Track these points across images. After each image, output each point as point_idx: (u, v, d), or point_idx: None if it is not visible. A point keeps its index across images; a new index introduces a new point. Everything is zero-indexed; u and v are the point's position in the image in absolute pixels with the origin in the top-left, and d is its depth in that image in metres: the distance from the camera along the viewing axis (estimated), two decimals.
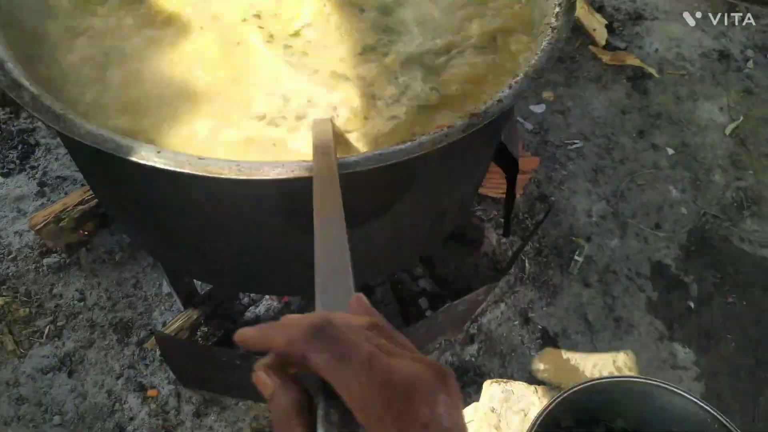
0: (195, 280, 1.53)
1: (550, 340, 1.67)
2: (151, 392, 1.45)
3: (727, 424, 0.72)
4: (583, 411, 0.87)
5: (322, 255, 0.51)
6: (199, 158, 0.72)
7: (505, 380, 0.90)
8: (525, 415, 0.93)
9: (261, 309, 1.56)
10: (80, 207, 1.60)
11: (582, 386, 0.74)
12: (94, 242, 1.66)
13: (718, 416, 0.73)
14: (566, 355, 1.65)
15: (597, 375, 1.62)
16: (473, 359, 1.60)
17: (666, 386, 0.79)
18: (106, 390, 1.45)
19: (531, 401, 0.89)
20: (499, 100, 0.84)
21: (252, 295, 1.56)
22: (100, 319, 1.55)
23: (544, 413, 0.73)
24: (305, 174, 0.71)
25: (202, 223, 0.95)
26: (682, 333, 1.71)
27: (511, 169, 1.43)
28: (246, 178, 0.71)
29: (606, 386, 0.77)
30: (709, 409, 0.75)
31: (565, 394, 0.73)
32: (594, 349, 1.66)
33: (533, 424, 0.69)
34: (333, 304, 0.45)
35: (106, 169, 0.94)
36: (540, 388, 0.89)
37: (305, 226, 0.93)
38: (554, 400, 0.71)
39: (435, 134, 0.78)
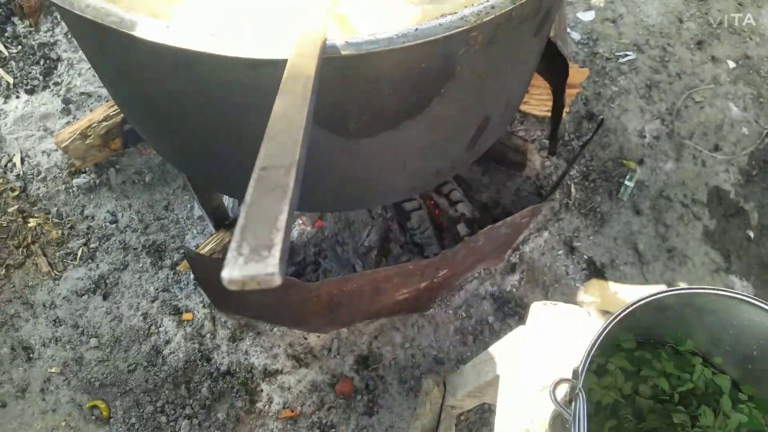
0: (225, 202, 1.48)
1: (596, 271, 1.60)
2: (186, 316, 1.44)
3: None
4: (646, 330, 0.79)
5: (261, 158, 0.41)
6: (212, 34, 0.63)
7: (554, 302, 0.82)
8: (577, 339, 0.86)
9: (295, 233, 1.52)
10: (105, 123, 1.54)
11: (646, 301, 0.66)
12: (123, 162, 1.62)
13: None
14: (614, 286, 1.58)
15: None
16: (514, 290, 1.54)
17: (745, 298, 0.68)
18: (142, 313, 1.45)
19: (584, 324, 0.82)
20: None
21: None
22: (133, 242, 1.53)
23: (604, 332, 0.65)
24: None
25: (219, 119, 0.86)
26: (740, 265, 1.62)
27: (560, 71, 1.31)
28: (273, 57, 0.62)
29: (673, 301, 0.68)
30: None
31: (627, 310, 0.64)
32: (644, 281, 1.59)
33: (592, 345, 0.62)
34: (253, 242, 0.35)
35: (111, 54, 0.86)
36: (593, 311, 0.82)
37: (344, 126, 0.86)
38: (614, 318, 0.64)
39: (480, 5, 0.67)
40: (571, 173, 1.74)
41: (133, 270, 1.50)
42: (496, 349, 1.00)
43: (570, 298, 1.56)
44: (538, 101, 1.80)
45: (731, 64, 2.03)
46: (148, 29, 0.63)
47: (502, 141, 1.64)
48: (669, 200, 1.72)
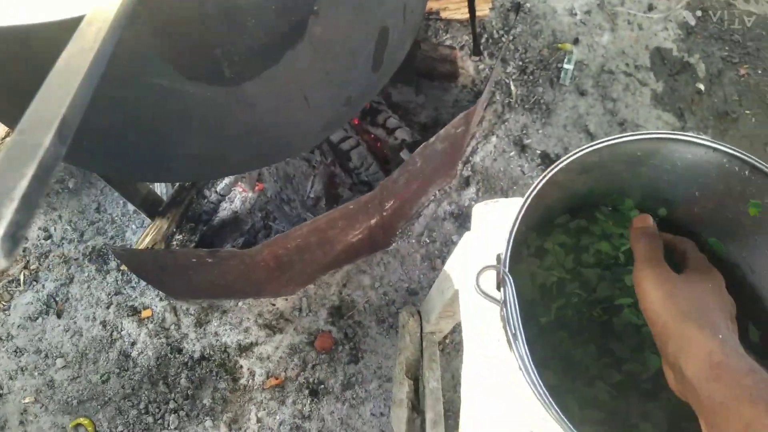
0: (155, 189, 1.41)
1: (552, 163, 1.55)
2: (145, 313, 1.40)
3: (762, 166, 0.58)
4: (580, 201, 0.72)
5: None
6: None
7: (494, 200, 0.76)
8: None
9: (237, 203, 1.46)
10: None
11: (564, 163, 0.59)
12: None
13: (750, 159, 0.59)
14: None
15: None
16: (473, 202, 1.50)
17: (675, 136, 0.61)
18: (100, 322, 1.40)
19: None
20: None
21: (218, 189, 1.45)
22: (73, 253, 1.46)
23: (525, 204, 0.58)
24: None
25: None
26: (695, 120, 1.58)
27: None
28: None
29: (597, 158, 0.62)
30: (738, 154, 0.59)
31: (546, 177, 0.58)
32: None
33: (513, 222, 0.56)
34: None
35: None
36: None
37: (218, 72, 0.78)
38: (533, 188, 0.58)
39: None
40: (508, 70, 1.67)
41: (80, 281, 1.44)
42: (451, 262, 0.96)
43: None
44: (457, 4, 1.71)
45: None
46: None
47: (428, 53, 1.57)
48: (611, 73, 1.66)
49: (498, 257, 0.59)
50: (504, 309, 0.55)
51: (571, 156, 0.60)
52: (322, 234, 1.20)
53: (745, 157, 0.58)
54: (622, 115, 1.60)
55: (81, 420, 1.33)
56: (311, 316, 1.39)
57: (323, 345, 1.36)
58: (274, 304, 1.40)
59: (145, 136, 0.83)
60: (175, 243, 1.38)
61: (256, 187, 1.48)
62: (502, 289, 0.57)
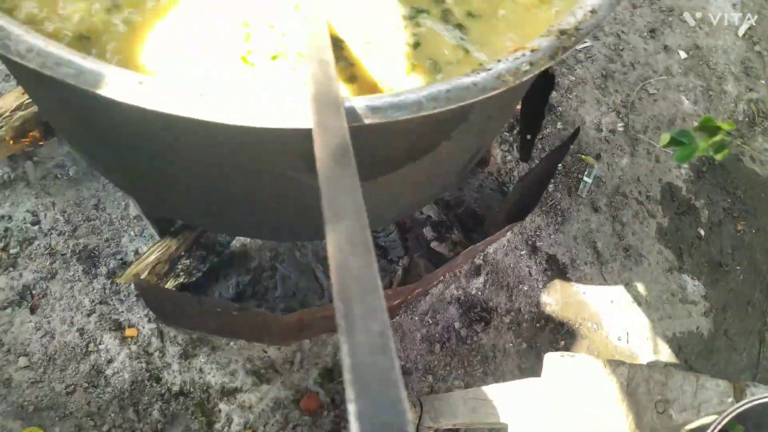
0: None
1: (558, 271, 1.69)
2: (129, 331, 1.40)
3: None
4: None
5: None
6: (201, 94, 0.58)
7: (570, 354, 0.87)
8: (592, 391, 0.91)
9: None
10: (20, 113, 1.43)
11: (744, 407, 0.70)
12: (42, 154, 1.51)
13: None
14: (575, 287, 1.69)
15: (606, 310, 1.67)
16: (479, 293, 1.61)
17: None
18: (77, 328, 1.39)
19: (599, 375, 0.87)
20: (593, 11, 0.71)
21: None
22: (61, 247, 1.44)
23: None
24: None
25: (187, 166, 0.84)
26: (691, 263, 1.78)
27: (547, 87, 1.36)
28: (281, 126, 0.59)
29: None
30: None
31: (725, 419, 0.69)
32: (603, 281, 1.71)
33: None
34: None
35: (58, 95, 0.80)
36: (608, 363, 0.88)
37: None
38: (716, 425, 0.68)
39: (515, 61, 0.66)
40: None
41: (63, 279, 1.42)
42: (497, 392, 1.05)
43: (533, 300, 1.65)
44: None
45: (683, 54, 2.17)
46: (116, 86, 0.56)
47: None
48: (625, 197, 1.84)
49: None
50: None
51: (745, 404, 0.71)
52: None
53: None
54: (628, 241, 1.78)
55: (34, 429, 1.30)
56: (302, 373, 1.44)
57: (309, 406, 1.41)
58: (266, 351, 1.44)
59: (259, 207, 0.90)
60: (180, 267, 1.40)
61: None
62: None
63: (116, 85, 0.56)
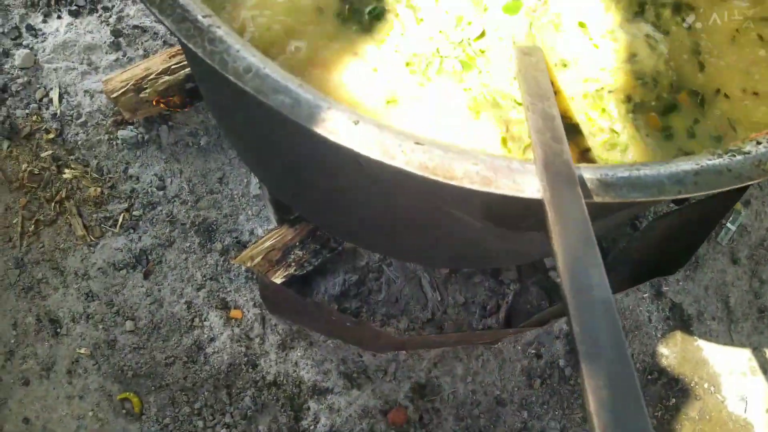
0: None
1: (681, 322, 1.57)
2: (234, 313, 1.41)
3: None
4: None
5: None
6: (418, 142, 0.53)
7: None
8: None
9: None
10: (166, 78, 1.44)
11: None
12: (177, 119, 1.53)
13: None
14: (697, 342, 1.56)
15: (727, 372, 1.55)
16: None
17: None
18: (186, 301, 1.41)
19: None
20: None
21: None
22: (182, 216, 1.47)
23: None
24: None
25: (366, 198, 0.82)
26: None
27: None
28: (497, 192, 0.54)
29: None
30: None
31: None
32: (730, 340, 1.57)
33: None
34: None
35: (253, 116, 0.79)
36: None
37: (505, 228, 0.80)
38: None
39: None
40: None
41: (179, 249, 1.45)
42: None
43: (648, 348, 1.54)
44: None
45: None
46: (334, 124, 0.54)
47: None
48: None
49: None
50: None
51: None
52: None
53: None
54: (765, 301, 1.62)
55: (130, 395, 1.35)
56: (393, 384, 1.41)
57: (396, 419, 1.39)
58: (361, 356, 1.42)
59: (407, 233, 0.87)
60: (292, 258, 1.38)
61: None
62: None
63: (332, 124, 0.52)
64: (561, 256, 0.45)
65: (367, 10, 0.72)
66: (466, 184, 0.51)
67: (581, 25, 0.74)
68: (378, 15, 0.71)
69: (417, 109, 0.67)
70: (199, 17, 0.56)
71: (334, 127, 0.53)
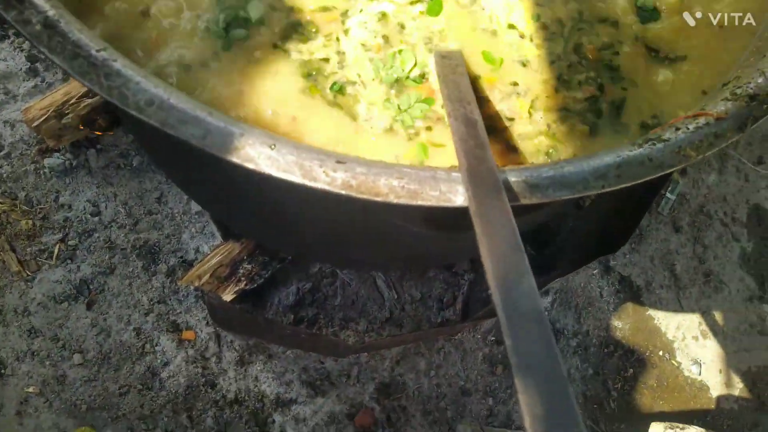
0: None
1: (631, 294, 1.61)
2: (186, 334, 1.38)
3: None
4: None
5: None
6: (339, 161, 0.53)
7: (680, 426, 0.81)
8: None
9: None
10: (88, 101, 1.39)
11: None
12: (105, 141, 1.48)
13: None
14: (648, 312, 1.61)
15: (680, 338, 1.60)
16: (546, 313, 1.54)
17: None
18: (134, 327, 1.37)
19: None
20: None
21: None
22: (121, 240, 1.42)
23: None
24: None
25: (303, 216, 0.81)
26: None
27: None
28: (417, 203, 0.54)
29: None
30: None
31: None
32: (679, 307, 1.62)
33: None
34: None
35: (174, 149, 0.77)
36: None
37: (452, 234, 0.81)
38: None
39: (698, 132, 0.58)
40: None
41: (121, 275, 1.41)
42: None
43: (602, 323, 1.58)
44: None
45: None
46: (250, 151, 0.51)
47: None
48: (709, 217, 1.74)
49: None
50: None
51: None
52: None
53: None
54: (709, 265, 1.68)
55: (86, 429, 1.30)
56: (358, 387, 1.41)
57: (363, 422, 1.38)
58: (322, 362, 1.41)
59: (352, 244, 0.86)
60: (241, 272, 1.36)
61: None
62: None
63: (247, 151, 0.51)
64: (490, 266, 0.46)
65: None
66: (393, 200, 0.51)
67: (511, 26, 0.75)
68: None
69: None
70: (92, 52, 0.53)
71: (251, 154, 0.52)
